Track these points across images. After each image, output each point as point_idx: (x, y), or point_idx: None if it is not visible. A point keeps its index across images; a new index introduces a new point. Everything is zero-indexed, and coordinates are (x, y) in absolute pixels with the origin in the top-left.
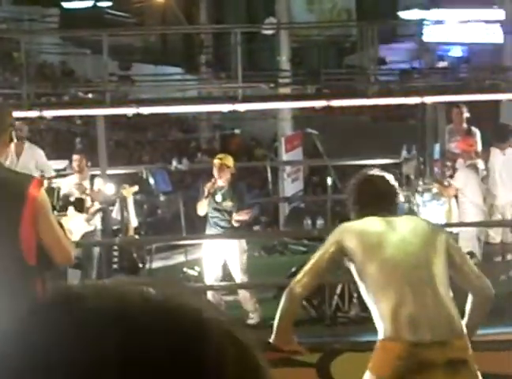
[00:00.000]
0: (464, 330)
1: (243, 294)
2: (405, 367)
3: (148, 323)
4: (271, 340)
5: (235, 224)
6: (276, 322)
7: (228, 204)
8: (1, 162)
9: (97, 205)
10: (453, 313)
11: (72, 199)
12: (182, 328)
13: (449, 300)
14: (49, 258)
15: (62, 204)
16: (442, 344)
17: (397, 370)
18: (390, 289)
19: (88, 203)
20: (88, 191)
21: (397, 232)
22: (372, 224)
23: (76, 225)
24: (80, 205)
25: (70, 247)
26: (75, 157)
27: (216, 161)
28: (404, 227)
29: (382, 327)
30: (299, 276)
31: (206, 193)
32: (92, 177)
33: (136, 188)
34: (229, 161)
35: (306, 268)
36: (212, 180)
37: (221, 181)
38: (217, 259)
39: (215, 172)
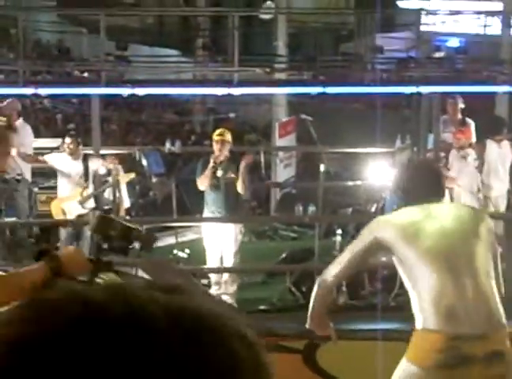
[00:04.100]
0: (504, 321)
1: (228, 277)
2: (446, 360)
3: (167, 331)
4: (307, 325)
5: (242, 191)
6: (309, 309)
7: (231, 176)
8: None
9: (91, 190)
10: (493, 305)
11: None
12: (199, 336)
13: (491, 290)
14: None
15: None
16: (481, 338)
17: (437, 363)
18: (431, 279)
19: (82, 187)
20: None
21: (435, 220)
22: (409, 214)
23: (70, 206)
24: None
25: None
26: (68, 140)
27: (218, 137)
28: (445, 215)
29: (421, 316)
30: (332, 267)
31: (213, 164)
32: (85, 156)
33: (132, 175)
34: (228, 136)
35: (341, 259)
36: (216, 153)
37: (222, 156)
38: (217, 240)
39: (216, 148)
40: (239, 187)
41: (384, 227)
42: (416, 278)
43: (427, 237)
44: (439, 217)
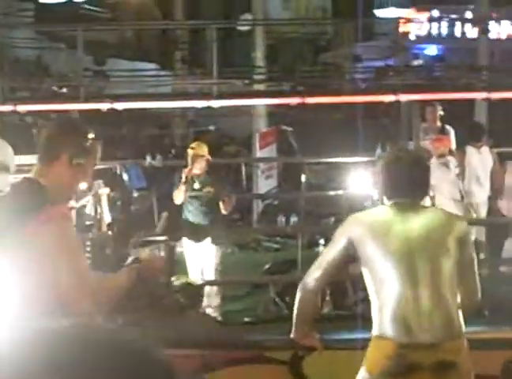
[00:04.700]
0: (461, 332)
1: (210, 290)
2: (393, 368)
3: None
4: (291, 335)
5: (225, 212)
6: (294, 318)
7: (210, 190)
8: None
9: (72, 204)
10: (452, 315)
11: None
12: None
13: (451, 301)
14: None
15: None
16: (431, 347)
17: (386, 370)
18: (391, 284)
19: None
20: None
21: (405, 224)
22: (381, 213)
23: None
24: None
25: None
26: None
27: (190, 151)
28: (416, 220)
29: (377, 322)
30: (310, 271)
31: (184, 179)
32: None
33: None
34: (202, 150)
35: (317, 262)
36: (188, 167)
37: (197, 169)
38: (198, 252)
39: (189, 162)
40: (224, 210)
41: (354, 225)
42: (379, 281)
43: (394, 239)
44: (410, 221)
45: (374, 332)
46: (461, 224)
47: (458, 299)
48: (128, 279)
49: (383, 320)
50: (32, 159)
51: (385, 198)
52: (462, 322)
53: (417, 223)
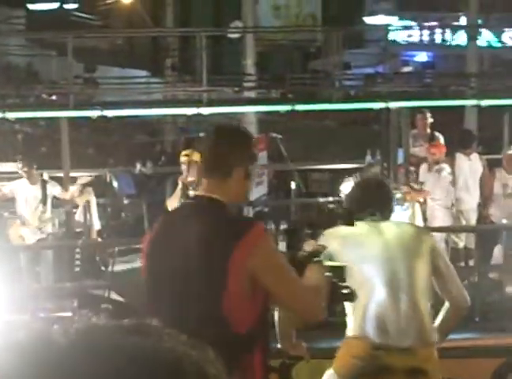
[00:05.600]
0: (434, 339)
1: None
2: (364, 369)
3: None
4: (278, 346)
5: None
6: (276, 331)
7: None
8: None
9: (49, 214)
10: (425, 322)
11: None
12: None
13: (425, 308)
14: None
15: None
16: (404, 351)
17: (355, 371)
18: (367, 290)
19: (39, 212)
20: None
21: (381, 236)
22: (355, 228)
23: (27, 232)
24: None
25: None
26: (19, 166)
27: (184, 158)
28: (390, 232)
29: (351, 324)
30: None
31: (181, 186)
32: (44, 181)
33: (88, 196)
34: (196, 156)
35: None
36: (184, 174)
37: (192, 176)
38: None
39: (184, 169)
40: None
41: (329, 240)
42: (358, 284)
43: (373, 246)
44: (383, 233)
45: (349, 333)
46: (430, 237)
47: (429, 307)
48: (322, 275)
49: (357, 322)
50: (14, 166)
51: (351, 217)
52: (434, 330)
53: (392, 234)
